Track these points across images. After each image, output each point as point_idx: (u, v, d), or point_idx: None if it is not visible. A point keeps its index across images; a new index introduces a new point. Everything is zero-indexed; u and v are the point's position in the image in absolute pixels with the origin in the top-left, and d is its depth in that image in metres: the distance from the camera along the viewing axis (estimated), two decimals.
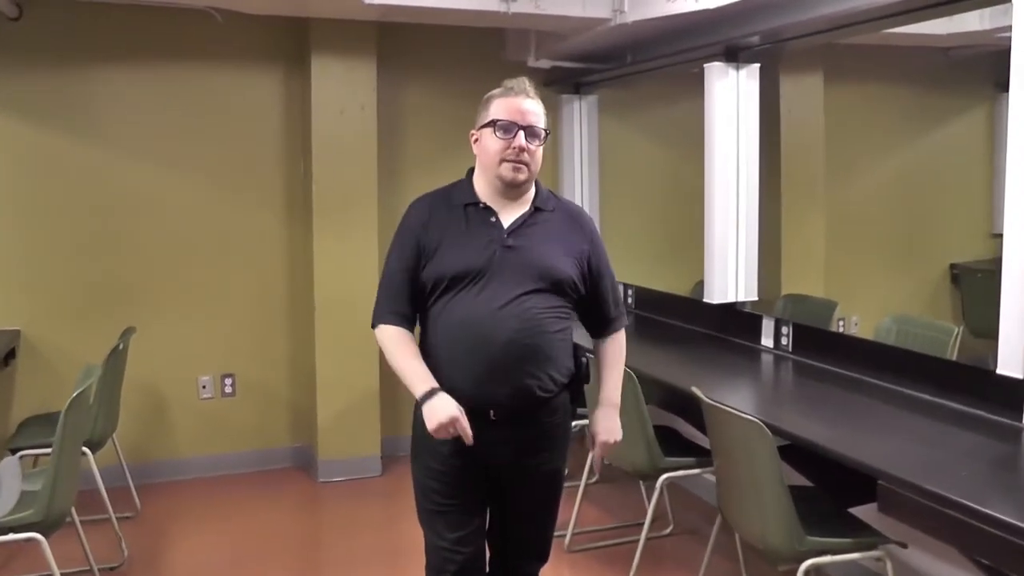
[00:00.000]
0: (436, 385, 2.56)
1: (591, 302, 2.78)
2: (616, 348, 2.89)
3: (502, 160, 2.60)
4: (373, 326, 2.71)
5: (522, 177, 2.62)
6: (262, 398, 5.54)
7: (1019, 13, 2.96)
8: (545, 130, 2.66)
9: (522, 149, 2.59)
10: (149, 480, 5.12)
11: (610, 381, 2.86)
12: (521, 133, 2.59)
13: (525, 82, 2.68)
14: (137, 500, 4.80)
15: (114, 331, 4.62)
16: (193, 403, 5.38)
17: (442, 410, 2.51)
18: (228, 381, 5.44)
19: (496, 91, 2.68)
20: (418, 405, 2.65)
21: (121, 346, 4.40)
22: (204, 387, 5.40)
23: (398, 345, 2.64)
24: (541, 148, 2.66)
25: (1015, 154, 3.00)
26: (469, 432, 2.52)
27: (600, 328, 2.86)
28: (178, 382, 5.35)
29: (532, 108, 2.63)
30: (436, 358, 2.61)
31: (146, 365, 5.08)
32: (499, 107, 2.63)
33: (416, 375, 2.58)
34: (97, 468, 4.14)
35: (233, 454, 5.46)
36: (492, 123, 2.62)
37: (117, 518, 4.33)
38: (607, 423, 2.84)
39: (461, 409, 2.52)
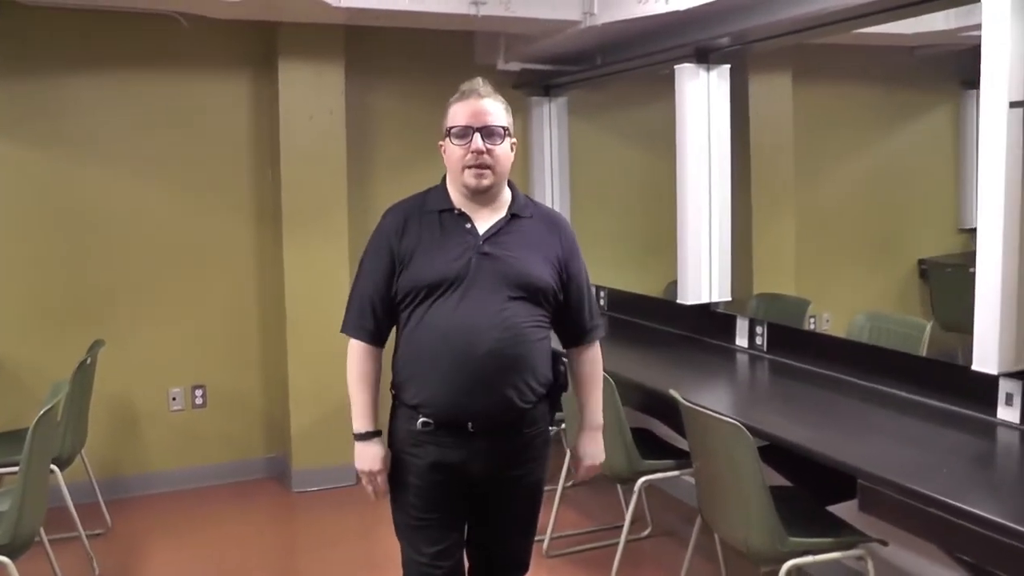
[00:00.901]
0: (374, 429, 2.64)
1: (567, 311, 2.71)
2: (594, 367, 2.83)
3: (464, 167, 2.54)
4: (342, 331, 2.70)
5: (486, 182, 2.55)
6: (234, 409, 5.46)
7: (988, 11, 2.98)
8: (504, 127, 2.57)
9: (480, 151, 2.52)
10: (119, 495, 5.04)
11: (591, 403, 2.83)
12: (477, 135, 2.52)
13: (479, 82, 2.61)
14: (107, 516, 4.71)
15: (83, 344, 4.54)
16: (164, 415, 5.30)
17: (369, 460, 2.63)
18: (199, 392, 5.37)
19: (453, 97, 2.62)
20: (392, 418, 2.66)
21: (89, 360, 4.32)
22: (174, 399, 5.32)
23: (359, 367, 2.66)
24: (506, 146, 2.58)
25: (987, 154, 3.01)
26: (382, 490, 2.67)
27: (575, 338, 2.79)
28: (148, 394, 5.26)
29: (487, 108, 2.55)
30: (413, 369, 2.57)
31: (115, 378, 5.00)
32: (454, 113, 2.57)
33: (361, 408, 2.65)
34: (65, 485, 4.05)
35: (205, 466, 5.38)
36: (449, 131, 2.57)
37: (87, 535, 4.27)
38: (592, 447, 2.83)
39: (387, 463, 2.64)
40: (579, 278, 2.72)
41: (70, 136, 5.03)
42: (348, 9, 4.52)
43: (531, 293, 2.57)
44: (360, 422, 2.63)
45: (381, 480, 2.64)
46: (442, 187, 2.68)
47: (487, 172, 2.54)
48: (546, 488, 2.85)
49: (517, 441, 2.62)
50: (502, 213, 2.63)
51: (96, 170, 5.08)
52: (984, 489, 2.67)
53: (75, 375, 4.11)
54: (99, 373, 4.56)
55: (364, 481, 2.66)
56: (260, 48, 5.33)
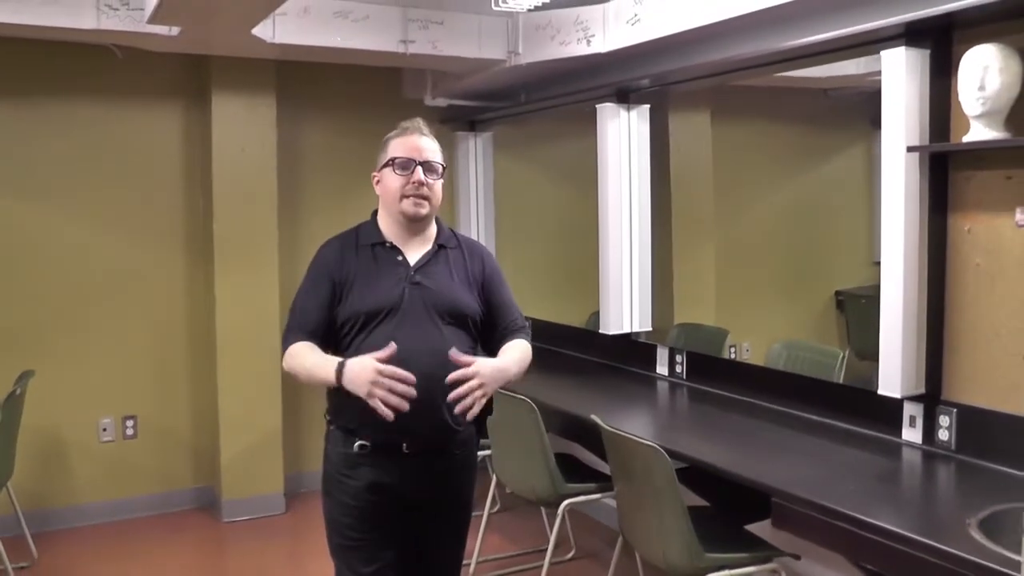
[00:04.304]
0: (342, 359, 2.57)
1: (494, 316, 2.85)
2: (521, 343, 2.85)
3: (403, 196, 2.71)
4: (283, 359, 2.75)
5: (423, 211, 2.73)
6: (165, 439, 5.45)
7: (886, 63, 3.21)
8: (442, 164, 2.77)
9: (421, 183, 2.70)
10: (46, 528, 4.98)
11: (505, 352, 2.81)
12: (419, 168, 2.71)
13: (419, 121, 2.80)
14: (34, 549, 4.65)
15: (7, 375, 4.53)
16: (93, 446, 5.26)
17: (361, 373, 2.50)
18: (130, 423, 5.34)
19: (393, 132, 2.80)
20: (327, 442, 2.76)
21: (18, 391, 4.30)
22: (105, 429, 5.29)
23: (300, 350, 2.68)
24: (440, 183, 2.77)
25: (888, 194, 3.23)
26: (403, 373, 2.48)
27: (506, 341, 2.86)
28: (78, 425, 5.22)
29: (428, 145, 2.75)
30: (350, 394, 2.66)
31: (44, 409, 4.94)
32: (396, 146, 2.75)
33: (320, 364, 2.61)
34: None
35: (135, 498, 5.35)
36: (391, 161, 2.73)
37: (12, 568, 4.22)
38: (489, 368, 2.67)
39: (381, 356, 2.50)
40: (502, 291, 2.89)
41: None
42: (281, 45, 4.62)
43: (459, 319, 2.73)
44: (329, 367, 2.57)
45: (391, 370, 2.48)
46: (372, 222, 2.83)
47: (424, 202, 2.72)
48: (472, 515, 2.96)
49: (448, 461, 2.75)
50: (430, 245, 2.80)
51: (25, 200, 5.06)
52: (888, 503, 2.84)
53: (4, 406, 4.10)
54: (28, 404, 4.52)
55: (383, 394, 2.47)
56: (192, 80, 5.38)
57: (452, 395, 2.55)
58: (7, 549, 4.19)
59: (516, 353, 2.83)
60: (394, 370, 2.48)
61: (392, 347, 2.51)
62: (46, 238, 5.12)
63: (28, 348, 5.03)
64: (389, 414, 2.47)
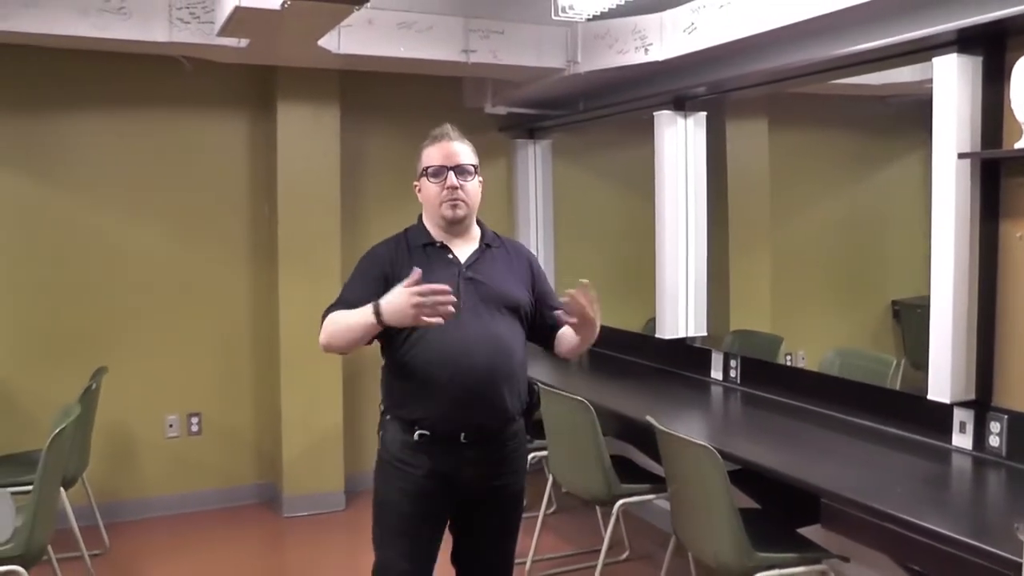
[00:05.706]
0: (375, 301, 2.63)
1: (547, 311, 2.96)
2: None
3: (441, 202, 2.83)
4: (320, 335, 2.82)
5: (461, 212, 2.84)
6: (228, 436, 5.61)
7: (938, 70, 3.24)
8: (474, 165, 2.87)
9: (454, 187, 2.81)
10: (117, 519, 5.16)
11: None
12: (451, 173, 2.82)
13: (448, 127, 2.91)
14: (106, 538, 4.85)
15: (80, 372, 4.71)
16: (160, 442, 5.45)
17: (397, 301, 2.56)
18: (195, 420, 5.52)
19: (425, 141, 2.91)
20: (384, 431, 2.87)
21: (94, 386, 4.48)
22: (171, 426, 5.47)
23: (334, 316, 2.78)
24: (475, 183, 2.87)
25: (939, 201, 3.26)
26: (436, 286, 2.54)
27: (555, 335, 3.00)
28: (145, 421, 5.41)
29: (458, 148, 2.86)
30: (410, 386, 2.78)
31: (115, 405, 5.11)
32: (428, 155, 2.87)
33: (356, 315, 2.67)
34: (70, 506, 4.19)
35: (199, 492, 5.52)
36: (425, 171, 2.85)
37: (88, 555, 4.38)
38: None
39: (410, 281, 2.54)
40: (548, 285, 3.04)
41: (71, 174, 5.20)
42: (346, 55, 4.76)
43: (512, 310, 2.86)
44: (367, 311, 2.63)
45: (423, 286, 2.53)
46: (420, 225, 2.96)
47: (461, 204, 2.83)
48: (528, 515, 3.05)
49: (501, 451, 2.86)
50: (476, 244, 2.92)
51: (98, 206, 5.26)
52: (936, 506, 2.88)
53: (81, 399, 4.27)
54: (100, 400, 4.69)
55: (427, 311, 2.53)
56: (258, 90, 5.54)
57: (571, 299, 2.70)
58: (82, 537, 4.36)
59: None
60: (428, 286, 2.52)
61: (417, 272, 2.54)
62: (119, 242, 5.31)
63: (102, 346, 5.21)
64: (440, 322, 2.54)
